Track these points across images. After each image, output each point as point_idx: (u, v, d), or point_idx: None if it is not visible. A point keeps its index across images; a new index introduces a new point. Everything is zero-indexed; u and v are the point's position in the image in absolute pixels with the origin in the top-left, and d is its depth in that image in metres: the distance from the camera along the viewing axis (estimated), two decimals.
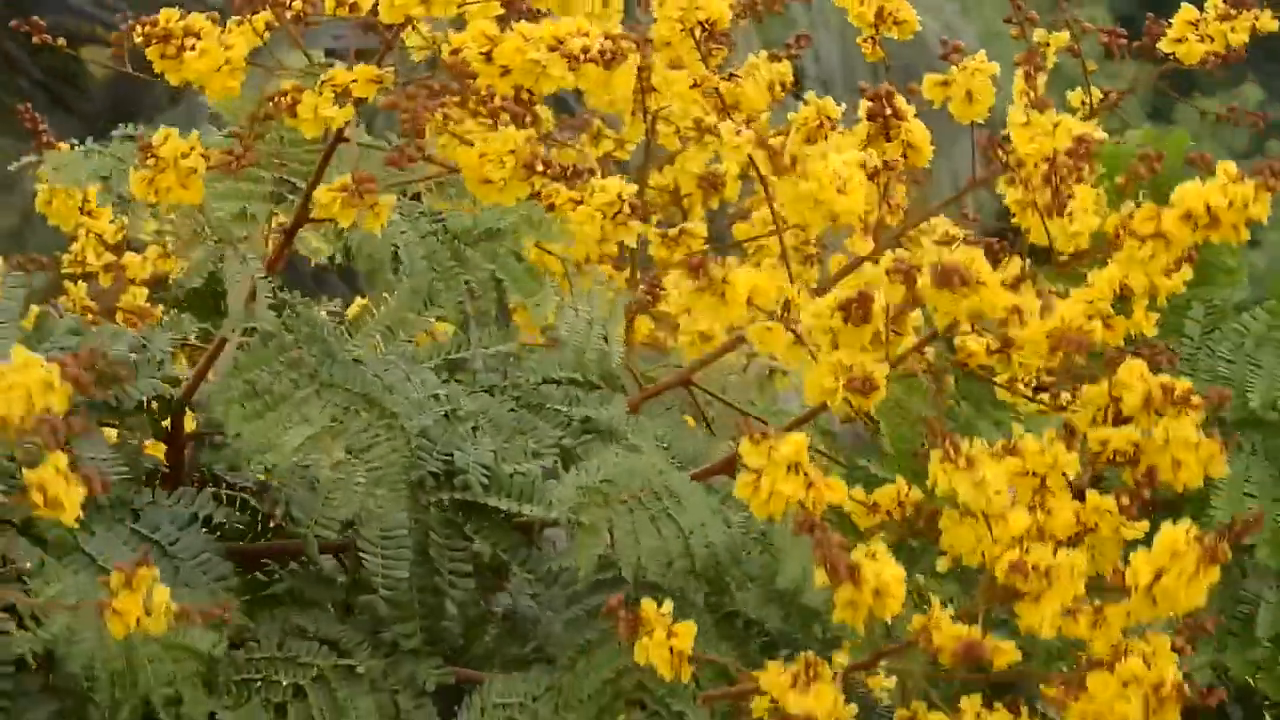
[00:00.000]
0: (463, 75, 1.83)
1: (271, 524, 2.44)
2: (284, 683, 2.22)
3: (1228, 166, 1.90)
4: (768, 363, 2.52)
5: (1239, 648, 2.49)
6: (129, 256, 2.94)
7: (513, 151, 1.91)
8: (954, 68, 2.33)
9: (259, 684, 2.21)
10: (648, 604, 1.85)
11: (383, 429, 2.21)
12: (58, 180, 2.45)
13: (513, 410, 2.44)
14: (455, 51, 1.86)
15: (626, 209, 2.02)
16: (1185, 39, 2.52)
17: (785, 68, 2.60)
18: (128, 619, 1.89)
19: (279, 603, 2.31)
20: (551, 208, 2.02)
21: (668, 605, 1.86)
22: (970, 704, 1.88)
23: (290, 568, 2.33)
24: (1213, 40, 2.52)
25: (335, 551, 2.35)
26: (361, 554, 2.25)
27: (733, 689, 2.07)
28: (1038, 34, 2.64)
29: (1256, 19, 2.52)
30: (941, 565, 1.95)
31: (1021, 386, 2.03)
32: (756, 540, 2.28)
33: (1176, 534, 1.82)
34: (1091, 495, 1.96)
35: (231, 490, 2.48)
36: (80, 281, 2.97)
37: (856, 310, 1.87)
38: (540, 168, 1.89)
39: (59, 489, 1.76)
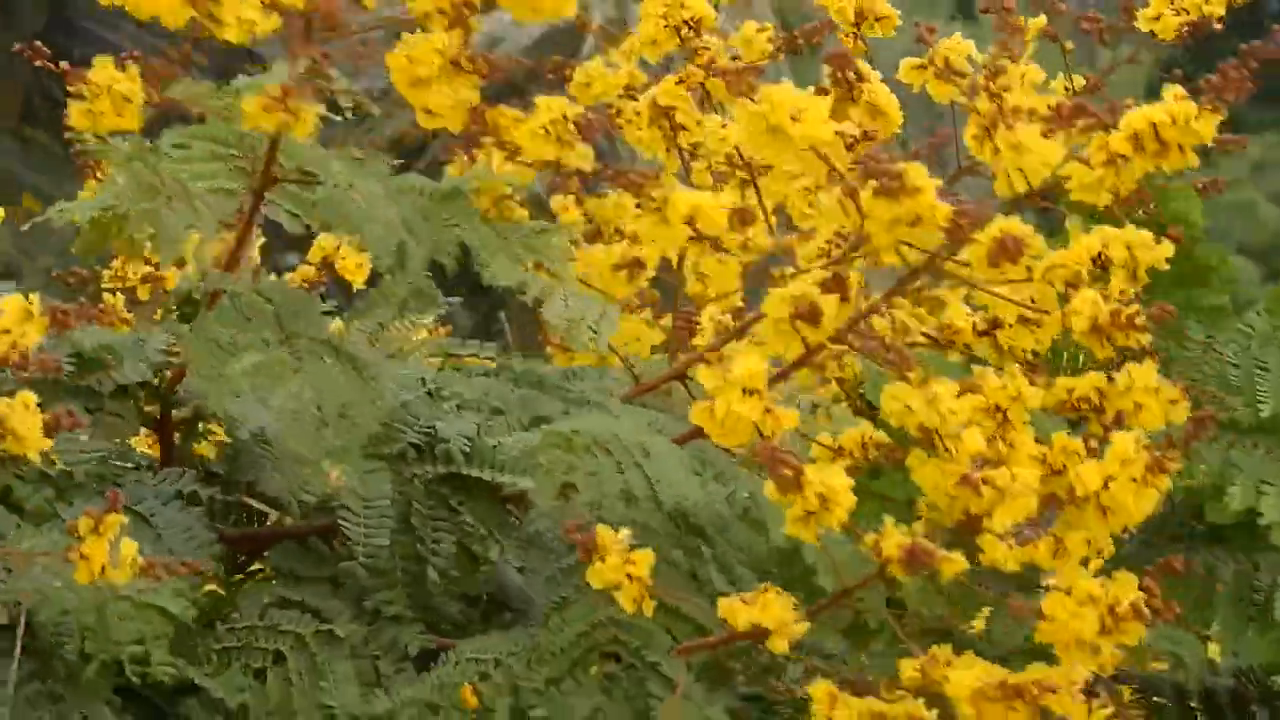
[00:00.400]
0: None
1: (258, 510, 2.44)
2: (265, 648, 2.22)
3: (1175, 88, 1.90)
4: None
5: (1258, 634, 2.49)
6: (168, 270, 2.97)
7: (439, 51, 1.91)
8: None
9: (239, 651, 2.22)
10: (602, 529, 1.85)
11: (349, 376, 2.18)
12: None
13: (514, 391, 2.46)
14: None
15: (571, 128, 2.01)
16: (1161, 15, 2.54)
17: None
18: (93, 564, 1.92)
19: (266, 578, 2.33)
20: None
21: (625, 532, 1.86)
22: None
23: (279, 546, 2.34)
24: (1188, 13, 2.54)
25: (321, 532, 2.35)
26: (342, 522, 2.25)
27: (710, 639, 2.06)
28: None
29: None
30: (919, 527, 1.94)
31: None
32: (740, 517, 2.27)
33: (1126, 441, 1.81)
34: (1059, 436, 1.95)
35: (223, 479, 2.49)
36: (119, 294, 3.00)
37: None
38: (469, 66, 1.88)
39: (17, 419, 1.79)
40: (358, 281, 2.98)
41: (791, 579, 2.21)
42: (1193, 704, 2.69)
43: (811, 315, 1.89)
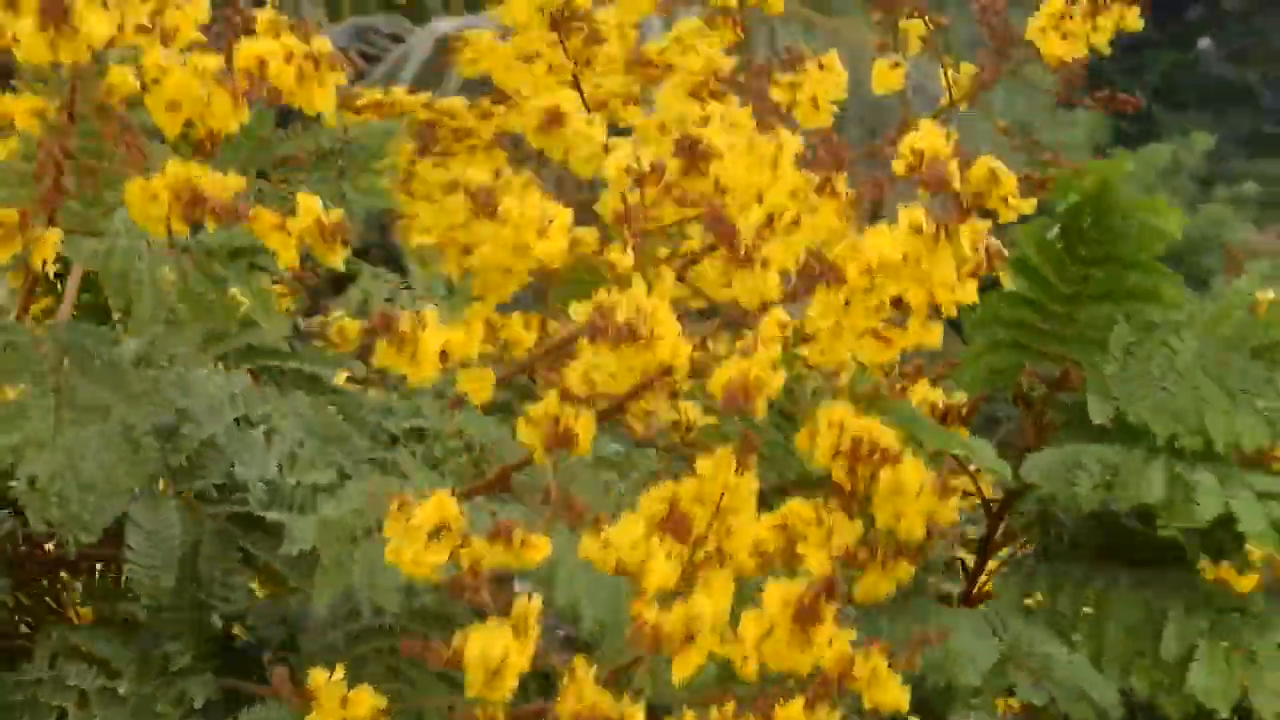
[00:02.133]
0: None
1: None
2: (51, 704, 2.19)
3: (913, 214, 1.79)
4: None
5: (1146, 668, 2.44)
6: None
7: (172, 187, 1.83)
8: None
9: (25, 707, 2.19)
10: (316, 674, 1.80)
11: (120, 443, 2.13)
12: None
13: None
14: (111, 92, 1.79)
15: (330, 230, 1.93)
16: (1046, 31, 2.41)
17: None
18: None
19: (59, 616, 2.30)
20: None
21: (339, 672, 1.81)
22: None
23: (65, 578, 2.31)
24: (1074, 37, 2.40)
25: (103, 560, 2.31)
26: (126, 562, 2.20)
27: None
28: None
29: (1122, 17, 2.39)
30: None
31: None
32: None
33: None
34: None
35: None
36: None
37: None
38: (200, 203, 1.81)
39: None
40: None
41: None
42: None
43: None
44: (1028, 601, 2.50)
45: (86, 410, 2.13)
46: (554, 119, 2.41)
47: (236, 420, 2.35)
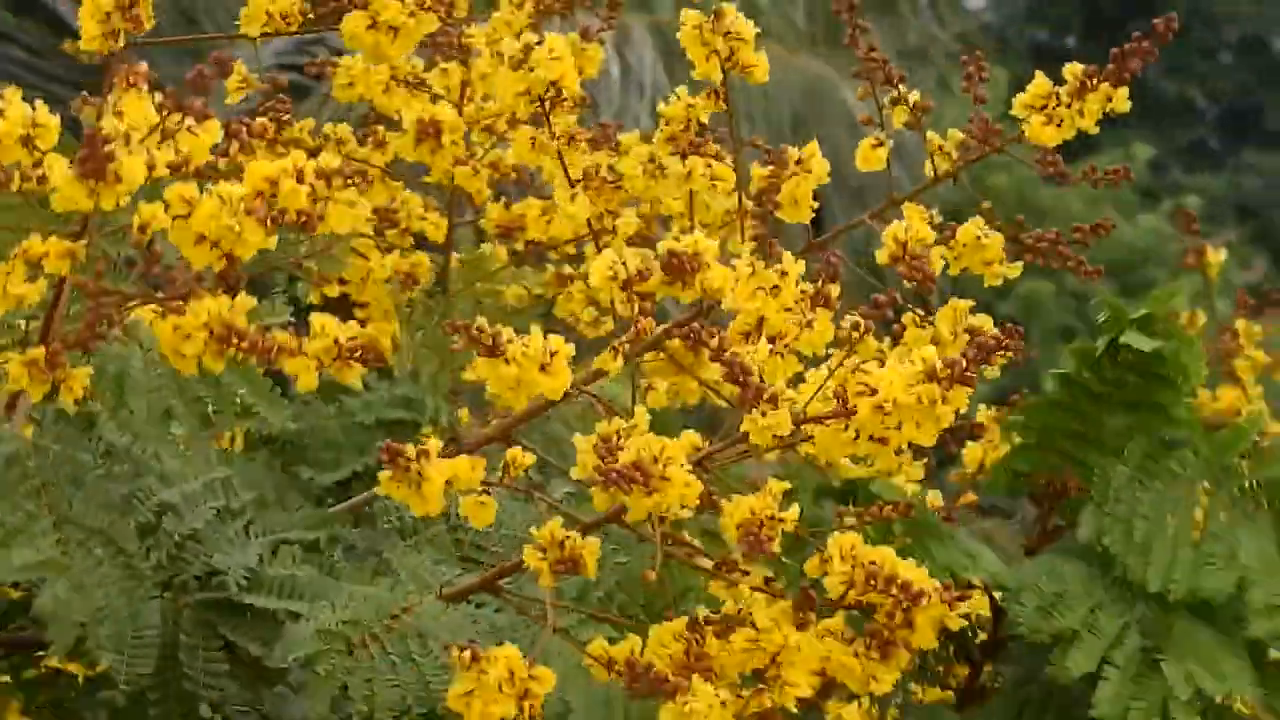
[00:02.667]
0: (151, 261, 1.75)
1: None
2: None
3: (926, 353, 1.79)
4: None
5: None
6: None
7: (206, 324, 1.82)
8: None
9: None
10: None
11: (117, 568, 2.14)
12: None
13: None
14: (143, 229, 1.76)
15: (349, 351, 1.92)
16: (1031, 115, 2.36)
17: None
18: None
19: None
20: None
21: None
22: None
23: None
24: (1061, 124, 2.36)
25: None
26: (101, 650, 2.18)
27: None
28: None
29: (1110, 97, 2.36)
30: None
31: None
32: None
33: None
34: None
35: None
36: None
37: None
38: (235, 341, 1.80)
39: None
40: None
41: None
42: None
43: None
44: None
45: (86, 530, 2.14)
46: (428, 131, 2.41)
47: (218, 511, 2.34)
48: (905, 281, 2.24)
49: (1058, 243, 2.49)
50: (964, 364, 1.72)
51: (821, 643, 1.79)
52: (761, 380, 1.74)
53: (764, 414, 1.71)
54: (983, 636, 2.54)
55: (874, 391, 1.74)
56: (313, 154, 2.50)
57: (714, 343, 1.74)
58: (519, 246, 2.78)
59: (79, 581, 2.08)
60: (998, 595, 2.43)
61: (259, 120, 2.56)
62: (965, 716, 2.50)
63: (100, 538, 2.14)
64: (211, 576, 2.27)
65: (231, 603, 2.26)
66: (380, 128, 2.73)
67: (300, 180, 1.77)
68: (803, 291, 1.93)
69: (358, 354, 1.83)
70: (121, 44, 1.96)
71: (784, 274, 1.86)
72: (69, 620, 2.06)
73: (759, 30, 2.33)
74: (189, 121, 1.80)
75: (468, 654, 1.78)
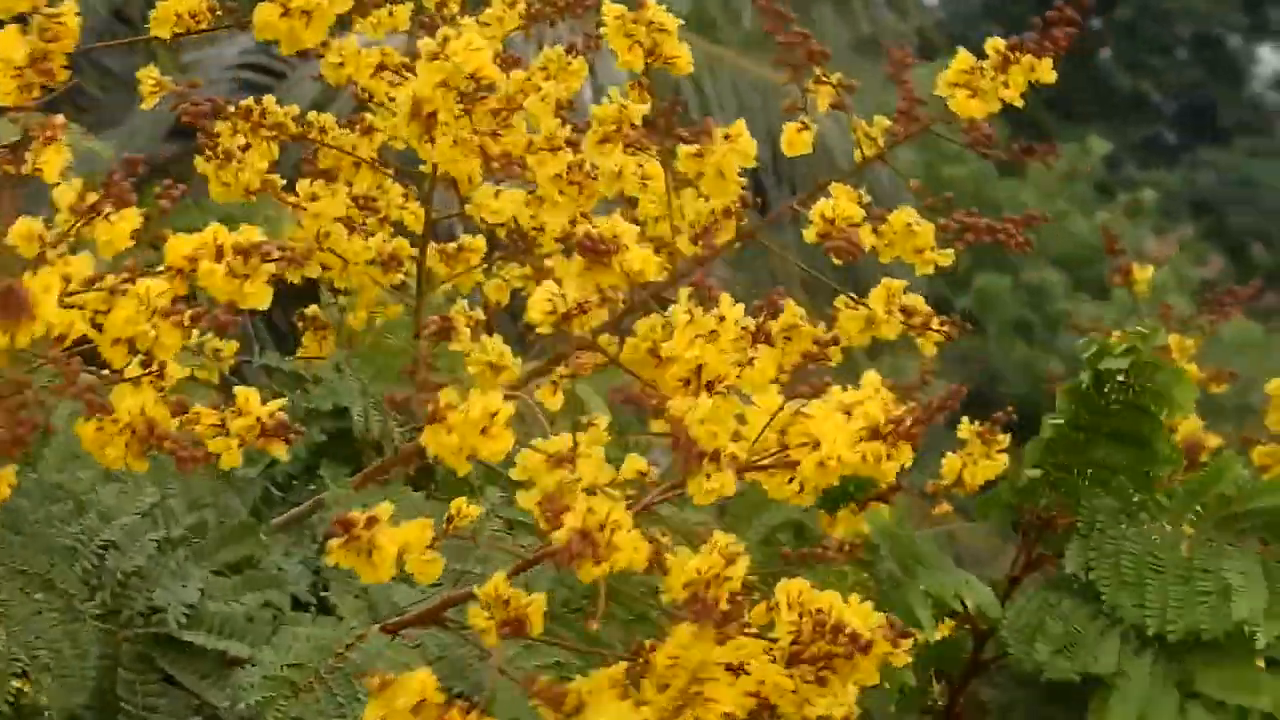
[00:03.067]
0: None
1: None
2: None
3: (870, 409, 1.77)
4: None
5: None
6: None
7: (129, 425, 1.82)
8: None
9: None
10: None
11: (57, 611, 2.13)
12: None
13: None
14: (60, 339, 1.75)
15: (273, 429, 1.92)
16: (955, 89, 2.31)
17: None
18: None
19: None
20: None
21: None
22: None
23: None
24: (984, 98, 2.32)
25: None
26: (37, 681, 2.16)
27: None
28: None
29: (1033, 69, 2.32)
30: None
31: None
32: None
33: None
34: None
35: None
36: None
37: None
38: (160, 440, 1.80)
39: None
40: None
41: None
42: None
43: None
44: None
45: (26, 578, 2.13)
46: (421, 107, 2.38)
47: (158, 544, 2.32)
48: (834, 258, 2.24)
49: (996, 230, 2.45)
50: (909, 423, 1.70)
51: (736, 653, 1.76)
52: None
53: (708, 476, 1.70)
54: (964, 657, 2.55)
55: (816, 445, 1.73)
56: (296, 140, 2.60)
57: (654, 403, 1.71)
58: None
59: (19, 630, 2.07)
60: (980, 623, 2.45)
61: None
62: None
63: (40, 582, 2.13)
64: (154, 613, 2.26)
65: (171, 637, 2.25)
66: (367, 115, 2.72)
67: (219, 258, 1.76)
68: (744, 329, 1.91)
69: (280, 430, 1.82)
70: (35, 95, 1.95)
71: (722, 319, 1.84)
72: (6, 672, 2.05)
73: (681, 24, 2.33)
74: (108, 209, 1.79)
75: (377, 680, 1.76)
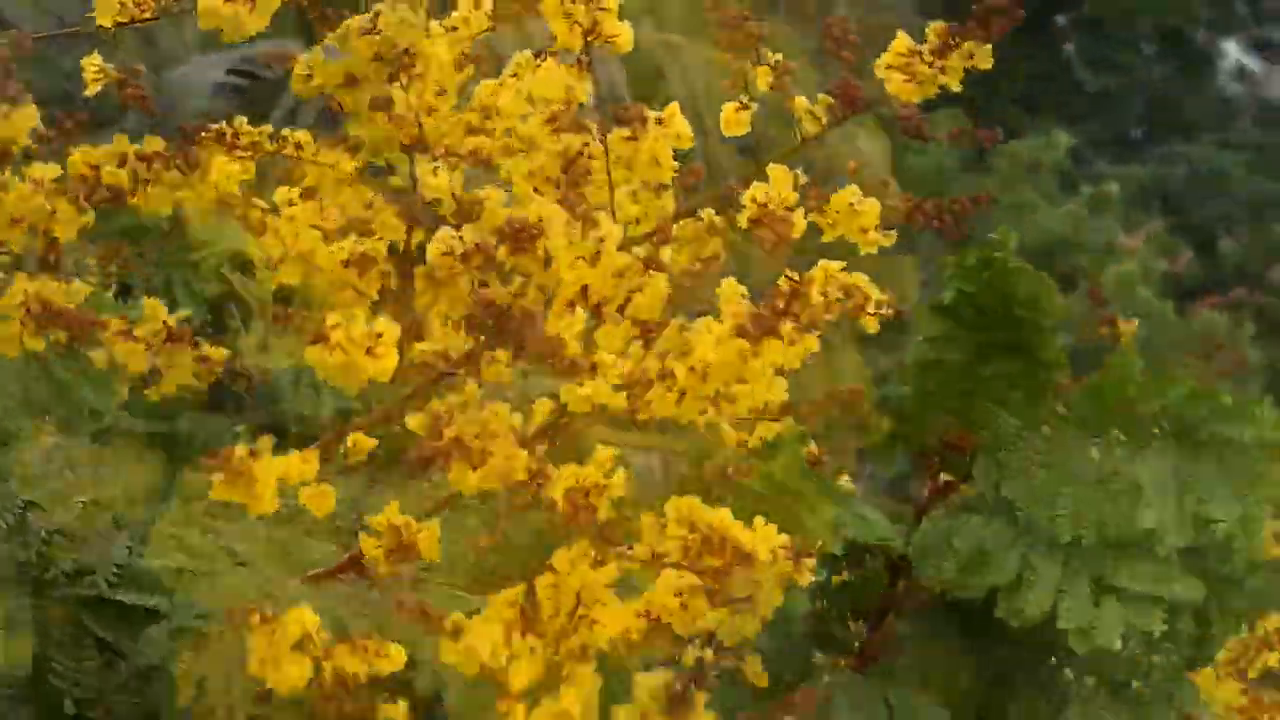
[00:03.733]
0: None
1: None
2: None
3: (736, 311, 1.82)
4: None
5: None
6: None
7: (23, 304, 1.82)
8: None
9: None
10: None
11: None
12: None
13: None
14: None
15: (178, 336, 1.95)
16: (892, 73, 2.36)
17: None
18: None
19: None
20: None
21: None
22: None
23: None
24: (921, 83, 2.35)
25: None
26: None
27: None
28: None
29: (971, 56, 2.35)
30: None
31: None
32: None
33: None
34: None
35: None
36: None
37: None
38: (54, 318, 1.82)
39: None
40: None
41: None
42: None
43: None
44: None
45: None
46: (382, 105, 2.39)
47: (84, 505, 2.36)
48: (765, 245, 2.26)
49: (941, 211, 2.49)
50: (772, 317, 1.74)
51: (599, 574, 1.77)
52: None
53: (580, 384, 1.73)
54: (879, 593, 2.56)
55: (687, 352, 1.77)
56: (274, 155, 2.59)
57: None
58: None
59: None
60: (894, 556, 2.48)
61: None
62: (870, 675, 2.54)
63: None
64: (80, 575, 2.30)
65: (102, 599, 2.28)
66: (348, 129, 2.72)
67: (123, 164, 1.79)
68: (638, 258, 1.94)
69: (189, 338, 1.84)
70: None
71: (601, 240, 1.88)
72: None
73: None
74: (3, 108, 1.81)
75: (256, 616, 1.76)
